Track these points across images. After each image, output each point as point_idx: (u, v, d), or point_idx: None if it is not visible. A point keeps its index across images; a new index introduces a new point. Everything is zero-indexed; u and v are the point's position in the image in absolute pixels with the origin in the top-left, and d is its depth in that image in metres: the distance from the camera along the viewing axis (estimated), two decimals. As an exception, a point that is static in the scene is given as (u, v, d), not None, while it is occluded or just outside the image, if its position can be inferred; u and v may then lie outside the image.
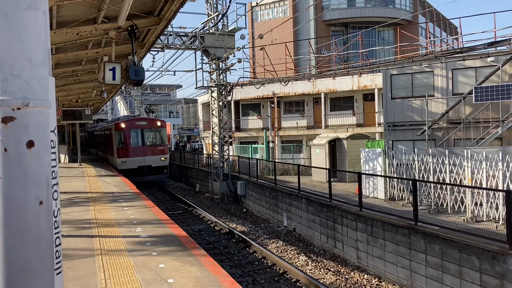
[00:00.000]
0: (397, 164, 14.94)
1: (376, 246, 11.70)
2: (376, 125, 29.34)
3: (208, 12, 22.75)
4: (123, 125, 26.81)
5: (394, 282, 10.96)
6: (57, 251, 1.32)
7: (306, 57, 36.43)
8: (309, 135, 31.20)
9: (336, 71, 22.82)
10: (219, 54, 22.86)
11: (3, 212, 1.16)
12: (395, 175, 14.99)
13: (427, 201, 13.29)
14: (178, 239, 7.87)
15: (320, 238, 14.47)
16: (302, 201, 15.74)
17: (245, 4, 26.83)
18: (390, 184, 15.03)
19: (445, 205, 12.63)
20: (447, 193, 12.52)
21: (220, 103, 24.30)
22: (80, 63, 14.02)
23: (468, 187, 11.66)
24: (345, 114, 31.44)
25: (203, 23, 22.86)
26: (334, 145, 22.16)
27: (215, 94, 24.45)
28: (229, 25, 23.25)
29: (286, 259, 12.82)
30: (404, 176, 14.42)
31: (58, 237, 1.34)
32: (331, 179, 15.20)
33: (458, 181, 12.55)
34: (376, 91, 29.15)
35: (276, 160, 27.15)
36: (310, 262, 12.61)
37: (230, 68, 23.54)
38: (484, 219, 11.16)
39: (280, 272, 11.86)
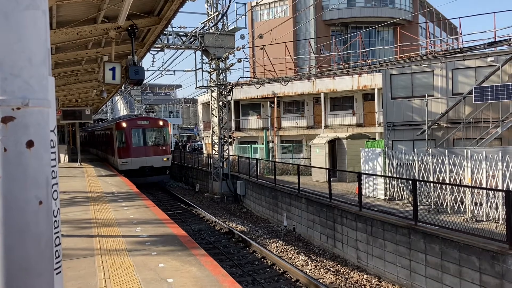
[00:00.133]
0: (397, 164, 14.95)
1: (376, 246, 11.70)
2: (376, 125, 29.34)
3: (208, 12, 22.75)
4: (124, 125, 26.17)
5: (394, 282, 10.96)
6: (56, 250, 1.32)
7: (306, 57, 36.44)
8: (309, 135, 31.20)
9: (336, 71, 22.83)
10: (219, 54, 22.86)
11: (3, 211, 1.16)
12: (395, 175, 14.99)
13: (427, 201, 13.29)
14: (178, 238, 7.87)
15: (320, 238, 14.48)
16: (302, 201, 15.74)
17: (245, 4, 26.86)
18: (390, 184, 15.03)
19: (445, 205, 12.63)
20: (447, 193, 12.52)
21: (220, 103, 24.30)
22: (80, 62, 14.01)
23: (468, 187, 11.67)
24: (345, 114, 31.44)
25: (203, 23, 22.87)
26: (334, 145, 22.16)
27: (215, 94, 24.45)
28: (229, 25, 23.27)
29: (286, 259, 12.82)
30: (404, 176, 14.43)
31: (57, 236, 1.34)
32: (331, 179, 15.20)
33: (458, 181, 12.55)
34: (376, 91, 29.15)
35: (276, 160, 27.15)
36: (310, 262, 12.61)
37: (230, 68, 23.54)
38: (484, 219, 11.17)
39: (280, 272, 11.86)
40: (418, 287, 10.24)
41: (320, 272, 11.80)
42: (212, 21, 22.51)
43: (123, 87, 33.50)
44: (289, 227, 16.78)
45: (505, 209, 8.72)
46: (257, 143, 32.61)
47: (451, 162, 12.81)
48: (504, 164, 11.32)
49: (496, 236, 8.81)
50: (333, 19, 47.33)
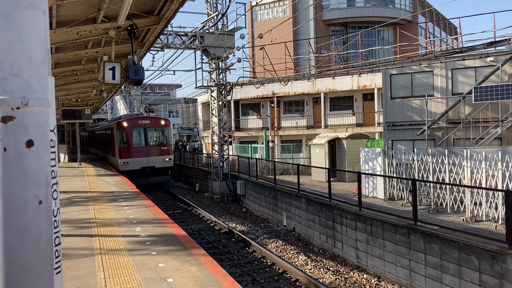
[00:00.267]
0: (397, 164, 14.95)
1: (375, 246, 11.70)
2: (376, 125, 29.35)
3: (208, 12, 22.75)
4: (125, 124, 25.60)
5: (394, 282, 10.97)
6: (56, 250, 1.32)
7: (305, 56, 36.43)
8: (309, 134, 31.21)
9: (336, 71, 22.83)
10: (218, 53, 22.86)
11: (3, 211, 1.16)
12: (394, 175, 14.99)
13: (426, 200, 13.30)
14: (177, 238, 7.87)
15: (320, 237, 14.48)
16: (302, 201, 15.75)
17: (244, 4, 26.86)
18: (390, 183, 15.03)
19: (444, 205, 12.64)
20: (446, 193, 12.52)
21: (220, 103, 24.30)
22: (79, 62, 14.01)
23: (468, 186, 11.67)
24: (344, 114, 31.44)
25: (203, 22, 22.87)
26: (333, 145, 22.16)
27: (214, 94, 24.45)
28: (228, 24, 23.27)
29: (285, 259, 12.83)
30: (404, 176, 14.43)
31: (57, 236, 1.34)
32: (331, 179, 15.21)
33: (458, 181, 12.56)
34: (375, 91, 29.16)
35: (276, 160, 27.14)
36: (309, 262, 12.61)
37: (230, 67, 23.55)
38: (484, 219, 11.17)
39: (280, 271, 11.86)
40: (417, 286, 10.24)
41: (320, 272, 11.81)
42: (212, 21, 22.51)
43: (123, 87, 33.48)
44: (288, 226, 16.79)
45: (504, 209, 8.73)
46: (257, 143, 32.61)
47: (451, 162, 12.81)
48: (504, 164, 11.32)
49: (496, 236, 8.81)
50: (333, 19, 47.33)
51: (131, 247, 7.33)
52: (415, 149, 14.84)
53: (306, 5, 45.10)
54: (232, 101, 30.34)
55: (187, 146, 52.08)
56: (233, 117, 34.25)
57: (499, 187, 11.20)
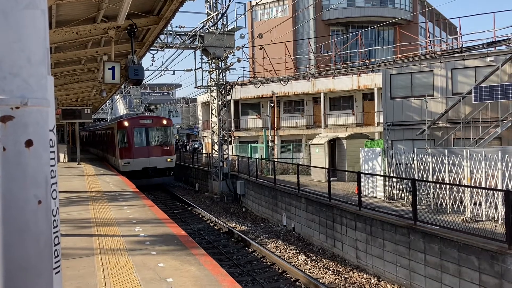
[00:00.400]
0: (397, 164, 14.95)
1: (375, 246, 11.70)
2: (376, 125, 29.35)
3: (207, 12, 22.75)
4: (126, 123, 25.05)
5: (393, 282, 10.97)
6: (56, 250, 1.32)
7: (305, 56, 36.43)
8: (309, 134, 31.21)
9: (336, 71, 22.82)
10: (218, 53, 22.86)
11: (2, 211, 1.16)
12: (394, 175, 14.99)
13: (426, 200, 13.30)
14: (177, 238, 7.87)
15: (320, 237, 14.48)
16: (302, 201, 15.75)
17: (244, 4, 26.76)
18: (390, 183, 15.03)
19: (444, 205, 12.63)
20: (446, 193, 12.52)
21: (220, 103, 24.30)
22: (79, 62, 14.01)
23: (468, 186, 11.67)
24: (344, 114, 31.44)
25: (202, 22, 22.87)
26: (333, 145, 22.16)
27: (214, 94, 24.44)
28: (228, 24, 23.26)
29: (285, 259, 12.83)
30: (404, 176, 14.43)
31: (57, 236, 1.34)
32: (331, 179, 15.21)
33: (458, 180, 12.56)
34: (375, 91, 29.17)
35: (276, 160, 27.15)
36: (309, 262, 12.61)
37: (230, 67, 23.55)
38: (483, 219, 11.17)
39: (280, 271, 11.87)
40: (417, 286, 10.24)
41: (320, 272, 11.81)
42: (212, 20, 22.51)
43: (122, 87, 33.48)
44: (288, 226, 16.79)
45: (504, 209, 8.73)
46: (257, 143, 32.62)
47: (451, 162, 12.81)
48: (504, 164, 11.33)
49: (496, 236, 8.82)
50: (332, 18, 47.33)
51: (130, 247, 7.33)
52: (415, 149, 14.84)
53: (306, 4, 45.10)
54: (232, 101, 30.35)
55: (188, 146, 52.03)
56: (233, 117, 34.25)
57: (499, 187, 11.19)
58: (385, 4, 48.14)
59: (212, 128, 25.27)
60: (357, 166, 18.70)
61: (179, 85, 61.63)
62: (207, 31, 22.63)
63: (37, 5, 1.23)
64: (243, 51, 23.61)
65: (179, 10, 9.13)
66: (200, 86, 24.95)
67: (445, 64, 17.31)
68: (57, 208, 1.36)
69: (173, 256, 6.67)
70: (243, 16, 23.42)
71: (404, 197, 14.28)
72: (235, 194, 23.27)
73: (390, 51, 35.63)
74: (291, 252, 13.68)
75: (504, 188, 10.75)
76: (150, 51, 19.55)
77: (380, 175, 15.17)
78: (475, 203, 11.50)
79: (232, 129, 33.71)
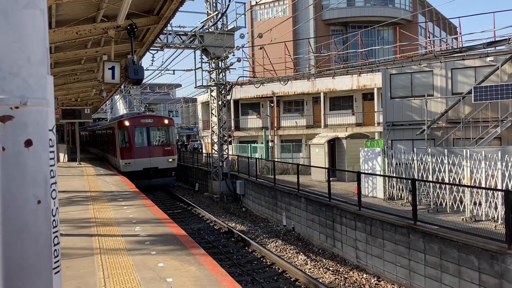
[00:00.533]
0: (396, 164, 14.95)
1: (375, 246, 11.70)
2: (376, 125, 29.36)
3: (207, 11, 22.75)
4: (127, 123, 24.65)
5: (393, 282, 10.97)
6: (55, 250, 1.32)
7: (305, 56, 36.44)
8: (309, 134, 31.21)
9: (336, 71, 22.82)
10: (218, 53, 22.86)
11: (1, 210, 1.16)
12: (394, 175, 14.99)
13: (426, 200, 13.30)
14: (177, 238, 7.87)
15: (319, 237, 14.48)
16: (301, 201, 15.75)
17: (244, 3, 26.74)
18: (389, 183, 15.03)
19: (444, 205, 12.64)
20: (446, 193, 12.52)
21: (220, 102, 24.30)
22: (79, 62, 14.00)
23: (467, 186, 11.67)
24: (344, 114, 31.44)
25: (202, 22, 22.86)
26: (333, 145, 22.17)
27: (214, 93, 24.44)
28: (228, 24, 23.25)
29: (285, 258, 12.83)
30: (403, 176, 14.43)
31: (56, 236, 1.34)
32: (330, 179, 15.21)
33: (457, 180, 12.56)
34: (375, 91, 29.17)
35: (276, 160, 27.15)
36: (309, 261, 12.61)
37: (230, 67, 23.55)
38: (483, 219, 11.17)
39: (279, 271, 11.87)
40: (417, 286, 10.24)
41: (320, 272, 11.81)
42: (212, 20, 22.50)
43: (122, 87, 33.46)
44: (288, 226, 16.79)
45: (504, 209, 8.73)
46: (257, 143, 32.62)
47: (451, 162, 12.81)
48: (504, 164, 11.32)
49: (495, 236, 8.82)
50: (332, 18, 47.33)
51: (130, 247, 7.32)
52: (415, 149, 14.84)
53: (306, 4, 45.09)
54: (231, 101, 30.34)
55: (188, 146, 51.97)
56: (232, 116, 34.25)
57: (499, 187, 11.19)
58: (385, 4, 48.14)
59: (212, 128, 25.27)
60: (357, 166, 18.70)
61: (179, 85, 61.69)
62: (207, 31, 22.62)
63: (36, 5, 1.23)
64: (243, 51, 23.62)
65: (179, 10, 9.13)
66: (200, 86, 24.94)
67: (445, 64, 17.31)
68: (57, 208, 1.36)
69: (173, 256, 6.67)
70: (243, 16, 23.43)
71: (404, 197, 14.28)
72: (235, 194, 23.27)
73: (390, 51, 35.64)
74: (291, 252, 13.68)
75: (504, 188, 10.75)
76: (150, 51, 19.55)
77: (380, 175, 15.17)
78: (475, 203, 11.50)
79: (232, 129, 33.71)
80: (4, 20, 1.17)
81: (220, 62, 23.54)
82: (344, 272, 12.03)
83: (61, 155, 27.82)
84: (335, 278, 11.28)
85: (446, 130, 17.39)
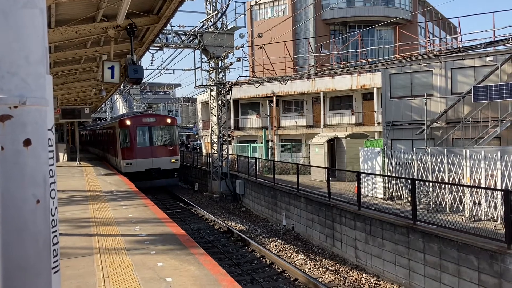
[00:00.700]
0: (396, 163, 14.95)
1: (374, 245, 11.71)
2: (375, 124, 29.36)
3: (207, 11, 22.74)
4: (128, 122, 23.93)
5: (393, 281, 10.97)
6: (54, 249, 1.32)
7: (305, 56, 36.43)
8: (308, 134, 31.22)
9: (335, 70, 22.83)
10: (218, 52, 22.86)
11: (0, 210, 1.16)
12: (394, 174, 15.00)
13: (425, 200, 13.30)
14: (176, 238, 7.87)
15: (319, 237, 14.49)
16: (301, 200, 15.75)
17: (244, 3, 26.77)
18: (389, 183, 15.04)
19: (443, 204, 12.64)
20: (445, 192, 12.53)
21: (219, 102, 24.29)
22: (79, 61, 14.00)
23: (467, 186, 11.67)
24: (344, 113, 31.45)
25: (202, 21, 22.85)
26: (333, 144, 22.17)
27: (214, 93, 24.43)
28: (228, 24, 23.25)
29: (284, 258, 12.83)
30: (403, 175, 14.43)
31: (55, 235, 1.34)
32: (330, 178, 15.21)
33: (457, 180, 12.56)
34: (375, 90, 29.17)
35: (275, 159, 27.15)
36: (308, 261, 12.62)
37: (229, 67, 23.55)
38: (483, 218, 11.18)
39: (279, 271, 11.87)
40: (416, 286, 10.25)
41: (319, 271, 11.81)
42: (211, 20, 22.49)
43: (122, 86, 33.44)
44: (288, 226, 16.79)
45: (503, 209, 8.73)
46: (256, 142, 32.62)
47: (450, 162, 12.82)
48: (503, 164, 11.33)
49: (495, 236, 8.82)
50: (332, 18, 47.33)
51: (130, 246, 7.32)
52: (415, 149, 14.84)
53: (306, 4, 45.08)
54: (231, 101, 30.33)
55: (189, 146, 51.92)
56: (232, 116, 34.25)
57: (498, 187, 11.20)
58: (385, 4, 48.15)
59: (211, 127, 25.26)
60: (357, 166, 18.70)
61: (178, 85, 61.67)
62: (207, 30, 22.62)
63: (35, 4, 1.23)
64: (242, 50, 23.65)
65: (179, 9, 9.13)
66: (200, 85, 24.93)
67: (445, 64, 17.31)
68: (56, 207, 1.35)
69: (172, 256, 6.67)
70: (243, 15, 23.41)
71: (403, 197, 14.28)
72: (235, 193, 23.27)
73: (389, 50, 35.66)
74: (291, 251, 13.69)
75: (503, 188, 10.75)
76: (149, 51, 19.57)
77: (380, 175, 15.18)
78: (474, 203, 11.50)
79: (232, 128, 33.71)
80: (3, 19, 1.16)
81: (219, 62, 23.53)
82: (343, 271, 12.03)
83: (61, 155, 27.81)
84: (335, 278, 11.28)
85: (446, 130, 17.40)
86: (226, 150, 24.94)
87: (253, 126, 34.83)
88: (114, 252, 6.98)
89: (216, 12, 22.16)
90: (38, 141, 1.22)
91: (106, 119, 46.78)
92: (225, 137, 25.32)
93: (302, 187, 16.64)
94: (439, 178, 13.08)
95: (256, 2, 40.90)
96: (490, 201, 11.03)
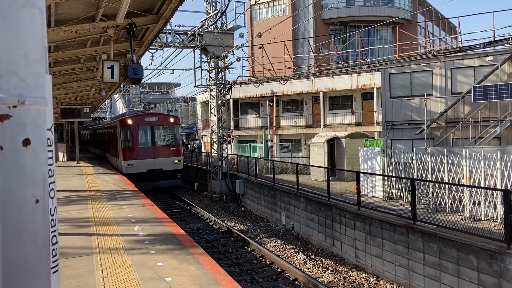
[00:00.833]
0: (396, 163, 14.95)
1: (374, 245, 11.71)
2: (375, 124, 29.37)
3: (207, 11, 22.73)
4: (130, 122, 23.27)
5: (392, 281, 10.97)
6: (53, 249, 1.31)
7: (305, 56, 36.42)
8: (308, 134, 31.23)
9: (335, 70, 22.83)
10: (218, 52, 22.85)
11: (0, 210, 1.16)
12: (393, 174, 15.00)
13: (425, 200, 13.30)
14: (176, 237, 7.87)
15: (319, 237, 14.49)
16: (301, 200, 15.75)
17: (244, 3, 26.73)
18: (389, 183, 15.04)
19: (443, 204, 12.64)
20: (445, 192, 12.53)
21: (219, 102, 24.29)
22: (78, 61, 13.99)
23: (467, 186, 11.68)
24: (344, 113, 31.45)
25: (202, 21, 22.85)
26: (332, 144, 22.18)
27: (214, 93, 24.43)
28: (228, 23, 23.23)
29: (284, 258, 12.83)
30: (403, 175, 14.44)
31: (54, 235, 1.34)
32: (330, 178, 15.21)
33: (457, 180, 12.56)
34: (375, 90, 29.17)
35: (275, 159, 27.15)
36: (308, 261, 12.62)
37: (229, 66, 23.54)
38: (482, 218, 11.18)
39: (278, 270, 11.87)
40: (416, 286, 10.25)
41: (319, 271, 11.81)
42: (211, 19, 22.49)
43: (122, 86, 33.43)
44: (287, 226, 16.79)
45: (503, 208, 8.73)
46: (256, 142, 32.62)
47: (450, 161, 12.82)
48: (503, 164, 11.33)
49: (494, 235, 8.82)
50: (332, 18, 47.33)
51: (129, 246, 7.32)
52: (414, 148, 14.85)
53: (305, 4, 45.05)
54: (231, 100, 30.33)
55: (189, 146, 51.88)
56: (232, 116, 34.25)
57: (498, 187, 11.20)
58: (385, 4, 48.16)
59: (211, 127, 25.25)
60: (356, 166, 18.70)
61: (178, 84, 61.68)
62: (207, 30, 22.61)
63: (35, 4, 1.23)
64: (242, 50, 23.64)
65: (178, 9, 9.13)
66: (200, 85, 24.91)
67: (445, 64, 17.32)
68: (55, 207, 1.35)
69: (172, 255, 6.67)
70: (243, 15, 23.39)
71: (403, 197, 14.29)
72: (234, 193, 23.26)
73: (389, 50, 35.64)
74: (290, 251, 13.69)
75: (503, 188, 10.76)
76: (149, 50, 19.56)
77: (379, 175, 15.18)
78: (474, 203, 11.51)
79: (232, 128, 33.71)
80: (1, 19, 1.16)
81: (219, 62, 23.53)
82: (343, 271, 12.04)
83: (60, 155, 27.79)
84: (334, 278, 11.28)
85: (446, 130, 17.40)
86: (225, 150, 24.94)
87: (252, 125, 34.83)
88: (114, 252, 6.97)
89: (216, 11, 22.16)
90: (37, 141, 1.22)
91: (106, 119, 46.74)
92: (225, 137, 25.31)
93: (302, 186, 16.65)
94: (439, 178, 13.08)
95: (255, 1, 40.90)
96: (489, 201, 11.03)
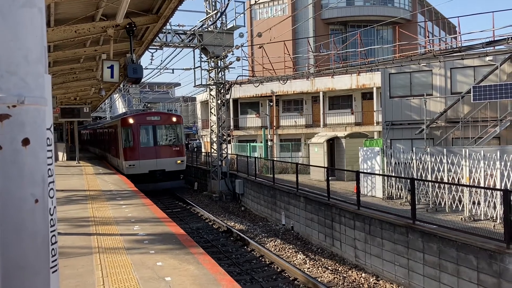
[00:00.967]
0: (395, 163, 14.96)
1: (374, 245, 11.71)
2: (375, 124, 29.37)
3: (206, 10, 22.73)
4: (131, 121, 22.70)
5: (392, 281, 10.98)
6: (53, 249, 1.31)
7: (304, 55, 36.42)
8: (308, 133, 31.23)
9: (335, 70, 22.83)
10: (217, 52, 22.84)
11: (-1, 209, 1.16)
12: (393, 174, 15.00)
13: (425, 200, 13.31)
14: (176, 237, 7.87)
15: (318, 236, 14.49)
16: (300, 200, 15.75)
17: (243, 2, 26.68)
18: (388, 182, 15.05)
19: (443, 204, 12.65)
20: (445, 192, 12.53)
21: (219, 102, 24.29)
22: (78, 60, 13.99)
23: (466, 186, 11.68)
24: (343, 113, 31.45)
25: (201, 21, 22.84)
26: (332, 144, 22.18)
27: (213, 93, 24.42)
28: (227, 23, 23.23)
29: (284, 258, 12.83)
30: (402, 175, 14.44)
31: (54, 235, 1.34)
32: (329, 178, 15.21)
33: (456, 180, 12.57)
34: (374, 90, 29.17)
35: (275, 159, 27.15)
36: (308, 261, 12.62)
37: (229, 66, 23.54)
38: (482, 218, 11.19)
39: (278, 270, 11.87)
40: (416, 286, 10.25)
41: (318, 271, 11.82)
42: (211, 19, 22.48)
43: (121, 85, 33.41)
44: (287, 225, 16.79)
45: (503, 208, 8.74)
46: (256, 142, 32.62)
47: (449, 161, 12.82)
48: (502, 163, 11.34)
49: (494, 235, 8.83)
50: (332, 17, 47.33)
51: (129, 246, 7.32)
52: (414, 148, 14.85)
53: (305, 3, 45.01)
54: (231, 100, 30.32)
55: (189, 145, 51.83)
56: (232, 115, 34.24)
57: (498, 186, 11.21)
58: (384, 3, 48.16)
59: (211, 127, 25.24)
60: (356, 165, 18.71)
61: (178, 84, 61.70)
62: (206, 29, 22.61)
63: (34, 3, 1.23)
64: (242, 50, 23.64)
65: (178, 8, 9.13)
66: (199, 85, 24.90)
67: (444, 64, 17.32)
68: (54, 206, 1.35)
69: (171, 255, 6.67)
70: (242, 14, 23.38)
71: (403, 196, 14.29)
72: (234, 193, 23.26)
73: (389, 50, 35.66)
74: (290, 251, 13.69)
75: (502, 188, 10.76)
76: (149, 50, 19.52)
77: (379, 174, 15.18)
78: (473, 203, 11.51)
79: (231, 128, 33.70)
80: (1, 18, 1.16)
81: (219, 61, 23.53)
82: (343, 271, 12.04)
83: (60, 154, 27.78)
84: (334, 277, 11.29)
85: (445, 130, 17.41)
86: (225, 150, 24.94)
87: (252, 125, 34.82)
88: (113, 252, 6.98)
89: (215, 11, 22.16)
90: (37, 141, 1.22)
91: (106, 118, 46.72)
92: (225, 137, 25.31)
93: (302, 186, 16.65)
94: (439, 177, 13.09)
95: (255, 1, 40.88)
96: (489, 200, 11.04)
